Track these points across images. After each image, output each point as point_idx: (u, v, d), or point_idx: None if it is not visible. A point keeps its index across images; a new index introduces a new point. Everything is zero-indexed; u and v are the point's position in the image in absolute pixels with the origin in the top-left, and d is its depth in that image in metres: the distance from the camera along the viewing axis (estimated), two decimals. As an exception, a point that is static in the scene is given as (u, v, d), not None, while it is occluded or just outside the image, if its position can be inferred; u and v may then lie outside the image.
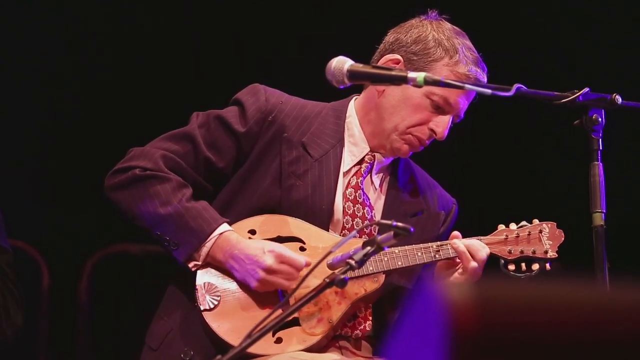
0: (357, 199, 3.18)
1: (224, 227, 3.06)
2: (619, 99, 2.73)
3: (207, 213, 3.07)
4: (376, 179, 3.25)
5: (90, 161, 4.82)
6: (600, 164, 2.71)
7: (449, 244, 3.11)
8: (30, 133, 4.92)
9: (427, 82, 2.69)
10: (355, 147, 3.22)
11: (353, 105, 3.28)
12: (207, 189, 3.18)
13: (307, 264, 3.03)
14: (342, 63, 2.79)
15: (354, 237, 2.94)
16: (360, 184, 3.19)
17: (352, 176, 3.21)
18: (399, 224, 2.50)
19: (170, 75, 4.94)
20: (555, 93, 2.74)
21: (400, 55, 3.19)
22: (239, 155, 3.16)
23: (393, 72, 2.77)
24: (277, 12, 5.06)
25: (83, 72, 4.94)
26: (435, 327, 1.26)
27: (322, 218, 3.13)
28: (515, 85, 2.66)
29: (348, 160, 3.21)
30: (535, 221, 3.20)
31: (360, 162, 3.22)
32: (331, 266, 2.90)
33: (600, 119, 2.73)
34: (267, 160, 3.15)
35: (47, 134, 4.95)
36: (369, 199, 3.20)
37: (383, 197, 3.25)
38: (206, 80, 4.86)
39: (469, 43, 3.22)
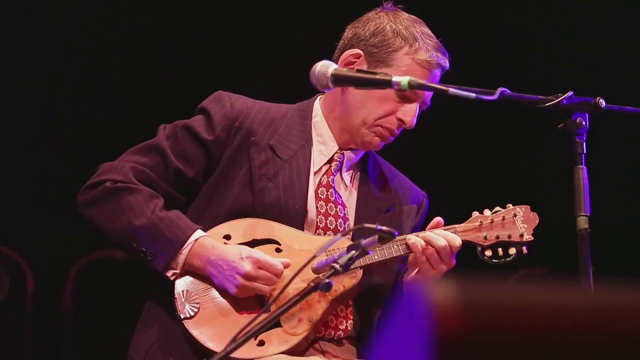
0: (329, 197, 3.18)
1: (199, 233, 3.05)
2: (602, 103, 2.74)
3: (181, 221, 3.06)
4: (346, 177, 3.25)
5: (75, 166, 4.81)
6: (584, 167, 2.72)
7: (417, 236, 3.09)
8: (15, 139, 4.91)
9: (412, 86, 2.69)
10: (323, 147, 3.22)
11: (318, 105, 3.28)
12: (179, 199, 3.17)
13: (286, 266, 3.03)
14: (326, 67, 2.79)
15: (339, 240, 2.95)
16: (331, 183, 3.19)
17: (323, 175, 3.20)
18: (384, 227, 2.49)
19: (163, 79, 4.94)
20: (539, 97, 2.74)
21: (361, 49, 3.19)
22: (209, 163, 3.16)
23: (377, 76, 2.77)
24: (247, 22, 5.07)
25: (67, 77, 4.93)
26: (419, 330, 1.26)
27: (296, 219, 3.12)
28: (499, 89, 2.66)
29: (317, 159, 3.21)
30: (509, 205, 3.17)
31: (329, 161, 3.22)
32: (316, 270, 2.90)
33: (584, 123, 2.73)
34: (237, 166, 3.15)
35: (31, 140, 4.94)
36: (340, 197, 3.20)
37: (355, 195, 3.24)
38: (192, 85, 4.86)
39: (427, 30, 3.22)
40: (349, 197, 3.24)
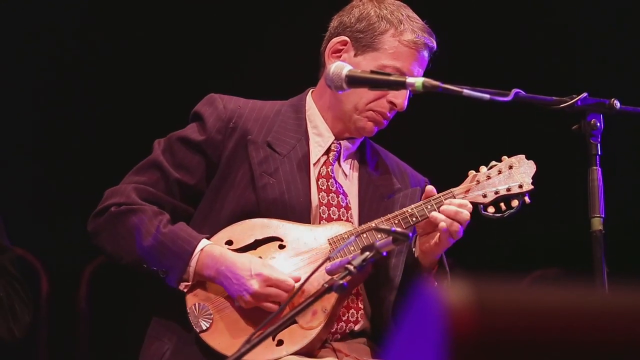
0: (330, 187, 3.17)
1: (204, 242, 3.04)
2: (617, 104, 2.73)
3: (184, 232, 3.05)
4: (345, 166, 3.25)
5: (89, 168, 4.83)
6: (599, 168, 2.71)
7: (423, 204, 3.06)
8: (29, 140, 4.92)
9: (426, 87, 2.69)
10: (320, 138, 3.22)
11: (310, 98, 3.28)
12: (188, 211, 3.17)
13: (297, 280, 3.01)
14: (340, 68, 2.80)
15: (353, 242, 2.95)
16: (330, 173, 3.19)
17: (322, 166, 3.20)
18: (398, 229, 2.49)
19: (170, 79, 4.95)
20: (554, 98, 2.74)
21: (347, 36, 3.19)
22: (209, 167, 3.15)
23: (392, 77, 2.77)
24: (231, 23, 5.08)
25: (83, 76, 4.95)
26: (434, 332, 1.26)
27: (302, 212, 3.11)
28: (514, 90, 2.66)
29: (315, 151, 3.21)
30: (504, 158, 3.14)
31: (327, 152, 3.22)
32: (330, 272, 2.90)
33: (598, 124, 2.73)
34: (236, 167, 3.14)
35: (46, 141, 4.96)
36: (341, 187, 3.19)
37: (356, 183, 3.24)
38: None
39: (412, 13, 3.22)
40: (350, 186, 3.23)
